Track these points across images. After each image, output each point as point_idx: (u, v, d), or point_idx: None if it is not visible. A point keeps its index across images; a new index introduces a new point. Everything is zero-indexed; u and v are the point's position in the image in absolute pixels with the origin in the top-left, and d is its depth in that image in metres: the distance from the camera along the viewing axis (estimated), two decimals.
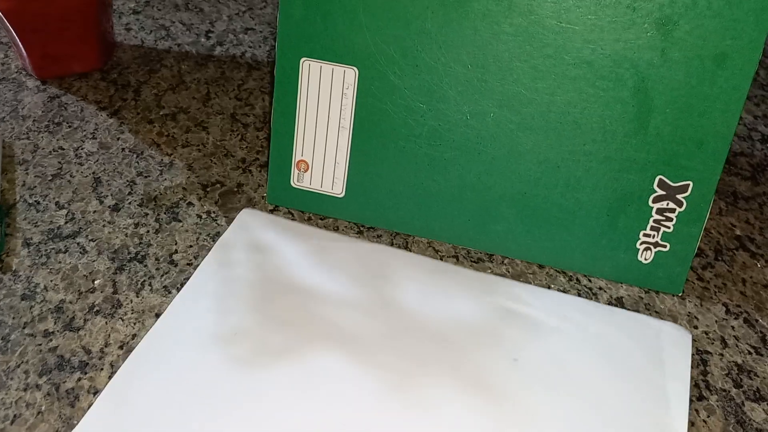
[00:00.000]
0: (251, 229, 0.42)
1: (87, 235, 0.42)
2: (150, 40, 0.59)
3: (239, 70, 0.57)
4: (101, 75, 0.55)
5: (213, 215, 0.44)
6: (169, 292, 0.39)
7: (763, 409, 0.34)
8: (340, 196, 0.43)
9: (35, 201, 0.44)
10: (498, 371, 0.35)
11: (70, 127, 0.50)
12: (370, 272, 0.40)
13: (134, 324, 0.37)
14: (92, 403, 0.33)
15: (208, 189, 0.46)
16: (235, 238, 0.42)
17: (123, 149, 0.48)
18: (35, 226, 0.42)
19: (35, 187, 0.45)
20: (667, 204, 0.38)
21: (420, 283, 0.40)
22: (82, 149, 0.48)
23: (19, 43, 0.53)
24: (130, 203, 0.44)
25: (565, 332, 0.37)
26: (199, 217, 0.43)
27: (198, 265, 0.40)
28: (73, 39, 0.53)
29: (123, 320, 0.37)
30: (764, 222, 0.45)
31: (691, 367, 0.36)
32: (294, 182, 0.44)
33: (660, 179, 0.38)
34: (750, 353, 0.37)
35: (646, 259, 0.40)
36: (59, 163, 0.47)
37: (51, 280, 0.39)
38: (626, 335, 0.37)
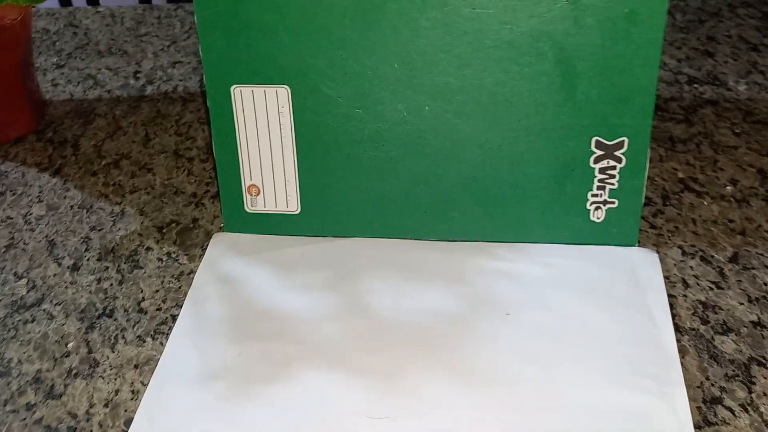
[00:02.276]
0: (221, 260, 0.43)
1: (51, 300, 0.42)
2: (79, 92, 0.59)
3: (174, 105, 0.57)
4: (36, 136, 0.55)
5: (173, 256, 0.44)
6: (144, 341, 0.39)
7: (732, 340, 0.36)
8: (296, 212, 0.44)
9: None
10: (490, 334, 0.36)
11: (14, 194, 0.49)
12: (338, 276, 0.41)
13: (115, 380, 0.37)
14: None
15: (164, 230, 0.46)
16: (207, 273, 0.42)
17: (72, 207, 0.48)
18: None
19: None
20: (608, 162, 0.40)
21: (392, 278, 0.40)
22: (30, 215, 0.48)
23: None
24: (88, 260, 0.44)
25: (547, 276, 0.39)
26: (160, 260, 0.44)
27: (170, 309, 0.40)
28: (2, 105, 0.53)
29: (103, 378, 0.37)
30: (703, 160, 0.46)
31: (669, 312, 0.37)
32: (248, 207, 0.44)
33: (596, 140, 0.39)
34: (711, 289, 0.38)
35: (598, 218, 0.41)
36: (10, 233, 0.47)
37: (24, 352, 0.39)
38: (603, 266, 0.40)
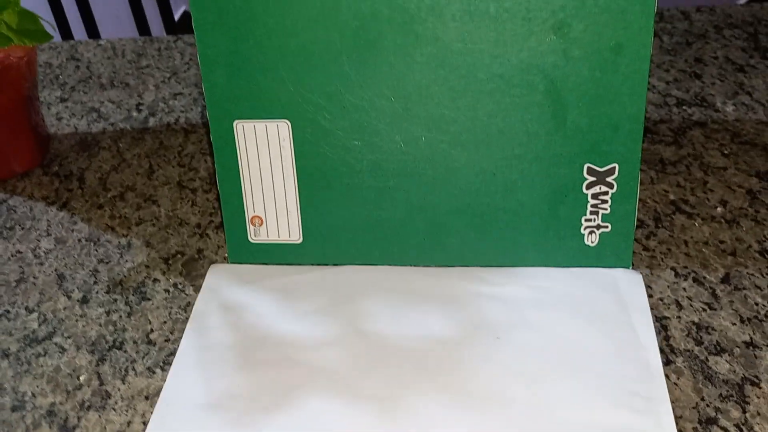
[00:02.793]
0: (221, 289, 0.44)
1: (62, 333, 0.43)
2: (83, 125, 0.60)
3: (176, 136, 0.58)
4: (42, 170, 0.56)
5: (180, 286, 0.45)
6: (154, 372, 0.40)
7: (726, 360, 0.37)
8: (298, 242, 0.45)
9: (5, 310, 0.45)
10: (483, 356, 0.37)
11: (23, 228, 0.51)
12: (338, 304, 0.42)
13: (126, 411, 0.38)
14: None
15: (170, 261, 0.47)
16: (207, 301, 0.43)
17: (79, 240, 0.49)
18: (10, 335, 0.43)
19: (1, 296, 0.46)
20: (600, 188, 0.41)
21: (388, 303, 0.42)
22: (39, 249, 0.49)
23: None
24: (97, 293, 0.45)
25: (535, 299, 0.40)
26: (167, 291, 0.45)
27: (179, 338, 0.41)
28: (7, 140, 0.54)
29: (115, 410, 0.38)
30: (693, 182, 0.48)
31: (654, 330, 0.38)
32: (252, 238, 0.45)
33: (588, 167, 0.40)
34: (704, 310, 0.40)
35: (592, 242, 0.42)
36: (20, 267, 0.48)
37: (37, 386, 0.40)
38: (589, 287, 0.41)
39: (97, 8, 1.02)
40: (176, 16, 1.23)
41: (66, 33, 1.01)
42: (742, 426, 0.34)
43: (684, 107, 0.54)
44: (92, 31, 1.02)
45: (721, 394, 0.35)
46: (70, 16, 1.01)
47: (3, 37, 0.47)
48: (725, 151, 0.50)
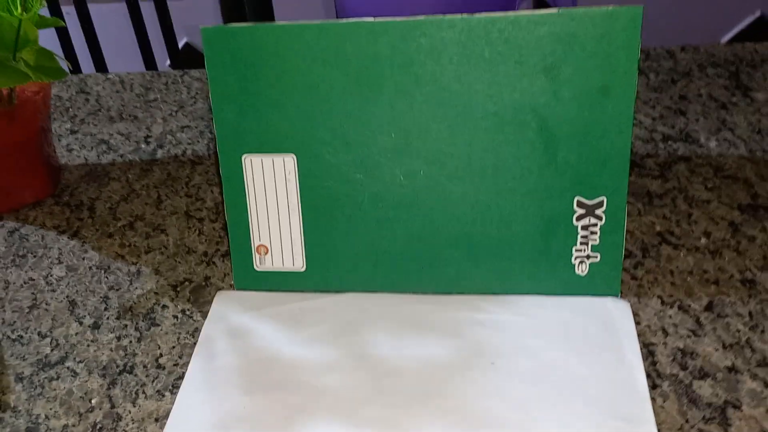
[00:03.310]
0: (227, 315, 0.46)
1: (74, 358, 0.44)
2: (93, 156, 0.63)
3: (183, 168, 0.60)
4: (54, 200, 0.58)
5: (188, 313, 0.47)
6: (163, 396, 0.42)
7: (709, 385, 0.39)
8: (302, 270, 0.47)
9: (18, 335, 0.46)
10: (478, 381, 0.39)
11: (35, 256, 0.53)
12: (340, 329, 0.44)
13: None
14: None
15: (178, 288, 0.49)
16: (214, 327, 0.45)
17: (90, 267, 0.51)
18: (23, 360, 0.45)
19: (15, 322, 0.47)
20: (589, 220, 0.43)
21: (388, 330, 0.43)
22: (51, 276, 0.51)
23: None
24: (108, 318, 0.47)
25: (528, 326, 0.42)
26: (175, 317, 0.47)
27: (187, 363, 0.43)
28: (20, 171, 0.56)
29: (127, 431, 0.40)
30: (679, 214, 0.50)
31: (641, 356, 0.40)
32: (257, 266, 0.47)
33: (578, 200, 0.43)
34: (689, 336, 0.42)
35: (583, 272, 0.44)
36: (32, 294, 0.49)
37: (50, 408, 0.42)
38: (579, 315, 0.43)
39: (104, 40, 1.04)
40: (180, 44, 1.26)
41: (75, 65, 1.03)
42: None
43: (670, 142, 0.57)
44: (100, 64, 1.04)
45: (704, 417, 0.37)
46: (78, 49, 1.04)
47: (22, 74, 0.50)
48: (709, 185, 0.52)
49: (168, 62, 1.09)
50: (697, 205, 0.50)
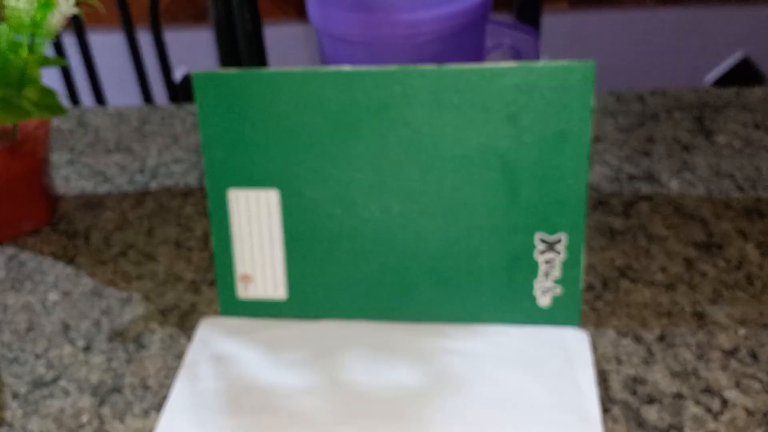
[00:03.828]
0: (211, 340, 0.49)
1: (67, 378, 0.47)
2: (90, 187, 0.66)
3: (175, 199, 0.63)
4: (51, 228, 0.61)
5: (174, 337, 0.50)
6: (149, 414, 0.44)
7: (655, 410, 0.42)
8: (283, 298, 0.50)
9: (15, 356, 0.49)
10: (443, 406, 0.42)
11: (32, 282, 0.56)
12: (318, 355, 0.47)
13: None
14: None
15: (167, 314, 0.52)
16: (198, 352, 0.48)
17: (84, 293, 0.54)
18: (19, 379, 0.48)
19: (12, 343, 0.50)
20: (550, 255, 0.46)
21: (363, 357, 0.46)
22: (47, 300, 0.54)
23: None
24: (99, 341, 0.50)
25: (492, 354, 0.45)
26: (163, 341, 0.49)
27: (171, 386, 0.46)
28: (21, 201, 0.60)
29: None
30: (638, 250, 0.53)
31: (595, 384, 0.43)
32: (241, 294, 0.50)
33: (539, 236, 0.46)
34: (640, 365, 0.45)
35: (544, 303, 0.47)
36: (29, 317, 0.52)
37: (44, 425, 0.44)
38: (540, 344, 0.46)
39: (103, 71, 1.09)
40: (177, 76, 1.31)
41: (74, 98, 1.07)
42: None
43: (634, 182, 0.60)
44: (99, 96, 1.08)
45: None
46: (79, 81, 1.08)
47: (25, 111, 0.53)
48: (668, 223, 0.56)
49: (165, 93, 1.13)
50: (655, 242, 0.54)
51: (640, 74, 1.54)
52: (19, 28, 0.53)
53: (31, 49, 0.54)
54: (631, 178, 0.61)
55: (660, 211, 0.57)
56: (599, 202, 0.58)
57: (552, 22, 1.49)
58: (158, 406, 0.45)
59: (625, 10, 1.50)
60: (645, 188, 0.59)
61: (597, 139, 0.66)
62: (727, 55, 1.57)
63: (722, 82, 1.56)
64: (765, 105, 0.69)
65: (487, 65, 0.44)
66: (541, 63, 0.43)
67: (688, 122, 0.67)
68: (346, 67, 0.45)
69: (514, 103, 0.44)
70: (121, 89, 1.24)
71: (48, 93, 0.56)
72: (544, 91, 0.43)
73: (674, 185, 0.59)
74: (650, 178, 0.60)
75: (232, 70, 0.46)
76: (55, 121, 0.76)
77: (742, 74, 1.58)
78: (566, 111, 0.43)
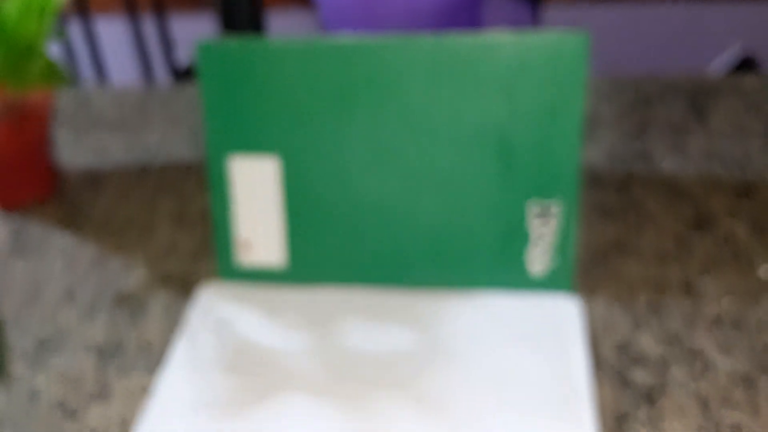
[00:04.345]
0: (210, 305, 0.50)
1: (72, 338, 0.49)
2: (92, 162, 0.67)
3: (176, 176, 0.65)
4: (56, 201, 0.62)
5: (175, 302, 0.51)
6: (150, 373, 0.46)
7: (641, 371, 0.43)
8: (281, 266, 0.51)
9: (22, 318, 0.50)
10: (436, 369, 0.43)
11: (38, 250, 0.57)
12: (314, 321, 0.48)
13: (127, 404, 0.44)
14: None
15: (167, 281, 0.53)
16: (198, 315, 0.49)
17: (88, 261, 0.55)
18: (26, 339, 0.49)
19: (19, 306, 0.52)
20: (544, 225, 0.48)
21: (360, 322, 0.48)
22: (52, 267, 0.55)
23: None
24: (102, 305, 0.51)
25: (486, 321, 0.47)
26: (164, 306, 0.51)
27: (172, 347, 0.47)
28: (27, 173, 0.61)
29: (117, 403, 0.44)
30: (630, 225, 0.55)
31: (584, 348, 0.44)
32: (240, 261, 0.52)
33: (533, 206, 0.47)
34: (628, 331, 0.46)
35: (538, 271, 0.49)
36: (34, 283, 0.54)
37: (49, 381, 0.46)
38: (533, 311, 0.47)
39: (107, 51, 1.10)
40: (181, 63, 1.32)
41: (78, 77, 1.09)
42: (648, 422, 0.40)
43: (627, 162, 0.61)
44: (102, 76, 1.09)
45: (634, 397, 0.41)
46: (82, 60, 1.09)
47: (30, 81, 0.55)
48: (660, 201, 0.57)
49: (167, 73, 1.14)
50: (647, 218, 0.55)
51: (641, 67, 1.55)
52: (28, 2, 0.55)
53: (38, 22, 0.55)
54: (626, 158, 0.62)
55: (652, 190, 0.58)
56: (594, 180, 0.60)
57: (554, 14, 1.51)
58: (160, 365, 0.46)
59: (627, 4, 1.51)
60: (638, 168, 0.61)
61: (593, 122, 0.67)
62: (727, 50, 1.59)
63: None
64: (757, 91, 0.70)
65: (483, 37, 0.45)
66: (536, 35, 0.44)
67: (682, 106, 0.68)
68: (346, 38, 0.46)
69: (510, 74, 0.45)
70: (124, 74, 1.25)
71: (53, 65, 0.57)
72: (538, 61, 0.45)
73: (666, 165, 0.61)
74: (644, 158, 0.62)
75: (235, 40, 0.47)
76: (59, 101, 0.77)
77: (741, 68, 1.60)
78: (560, 81, 0.45)
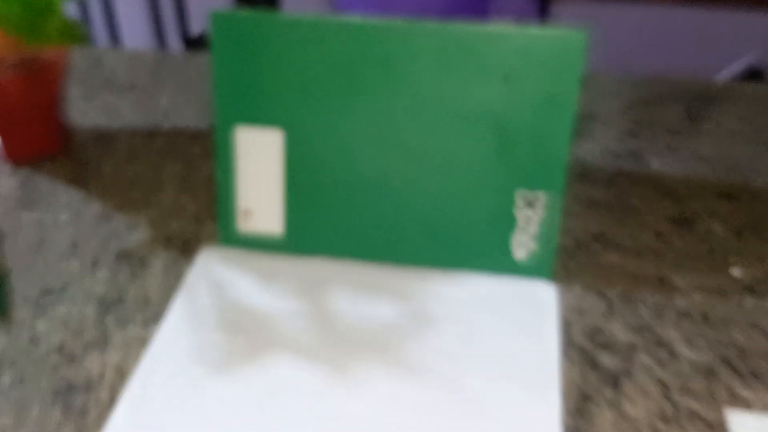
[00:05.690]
0: (210, 266, 0.52)
1: (74, 289, 0.51)
2: (103, 121, 0.69)
3: (184, 139, 0.67)
4: (65, 155, 0.65)
5: (176, 261, 0.53)
6: (148, 326, 0.48)
7: (608, 355, 0.46)
8: (279, 235, 0.54)
9: (27, 265, 0.53)
10: (418, 339, 0.46)
11: (45, 202, 0.59)
12: (306, 288, 0.51)
13: (124, 353, 0.46)
14: (100, 414, 0.42)
15: (170, 241, 0.55)
16: (197, 275, 0.52)
17: (93, 216, 0.58)
18: (29, 286, 0.51)
19: (25, 254, 0.54)
20: (530, 213, 0.50)
21: (350, 292, 0.50)
22: (58, 219, 0.57)
23: None
24: (105, 259, 0.54)
25: (468, 299, 0.49)
26: (165, 264, 0.53)
27: (171, 302, 0.50)
28: (39, 127, 0.63)
29: (114, 351, 0.47)
30: (613, 219, 0.57)
31: (557, 331, 0.47)
32: (240, 227, 0.54)
33: (521, 195, 0.50)
34: (601, 317, 0.48)
35: (521, 257, 0.51)
36: (40, 233, 0.56)
37: (50, 327, 0.48)
38: (513, 293, 0.50)
39: (122, 15, 1.12)
40: (193, 30, 1.33)
41: (92, 38, 1.10)
42: (611, 404, 0.43)
43: (619, 159, 0.64)
44: (116, 39, 1.11)
45: (600, 380, 0.44)
46: (97, 23, 1.11)
47: (47, 38, 0.57)
48: (645, 198, 0.59)
49: (180, 41, 1.16)
50: (630, 213, 0.58)
51: (650, 68, 1.56)
52: None
53: None
54: (618, 155, 0.64)
55: (639, 186, 0.60)
56: (584, 174, 0.62)
57: (565, 12, 1.52)
58: (157, 319, 0.49)
59: (641, 5, 1.53)
60: (628, 165, 0.63)
61: (591, 118, 0.69)
62: (737, 58, 1.60)
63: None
64: (752, 100, 0.72)
65: (487, 26, 0.47)
66: (538, 29, 0.47)
67: (676, 108, 0.71)
68: (355, 18, 0.48)
69: (510, 64, 0.47)
70: (137, 42, 1.27)
71: (69, 24, 0.59)
72: (538, 54, 0.47)
73: (655, 164, 0.63)
74: (634, 156, 0.64)
75: (248, 12, 0.50)
76: (73, 59, 0.79)
77: (749, 77, 1.61)
78: (557, 75, 0.47)
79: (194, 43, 1.16)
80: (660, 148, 0.65)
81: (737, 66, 1.59)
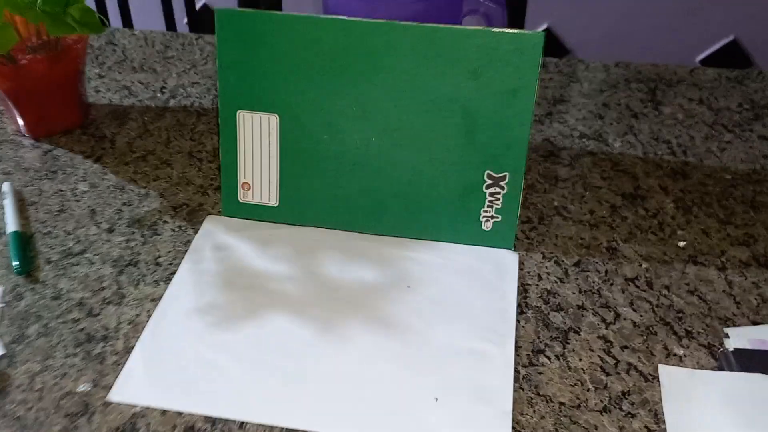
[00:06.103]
0: (213, 233, 0.59)
1: (92, 252, 0.58)
2: (116, 99, 0.75)
3: (190, 116, 0.73)
4: (82, 130, 0.71)
5: (183, 228, 0.60)
6: (158, 285, 0.55)
7: (561, 316, 0.53)
8: (275, 205, 0.60)
9: (48, 231, 0.60)
10: (395, 298, 0.53)
11: (64, 173, 0.66)
12: (299, 253, 0.57)
13: (137, 308, 0.53)
14: (116, 361, 0.49)
15: (178, 210, 0.62)
16: (202, 241, 0.58)
17: (108, 186, 0.64)
18: (51, 249, 0.58)
19: (46, 220, 0.61)
20: (495, 189, 0.56)
21: (336, 257, 0.57)
22: (77, 189, 0.64)
23: (16, 112, 0.68)
24: (120, 225, 0.60)
25: (442, 264, 0.56)
26: (173, 230, 0.60)
27: (179, 264, 0.57)
28: (59, 105, 0.69)
29: (128, 306, 0.53)
30: (575, 195, 0.63)
31: (517, 294, 0.54)
32: (241, 199, 0.61)
33: (488, 173, 0.56)
34: (556, 282, 0.55)
35: (487, 228, 0.58)
36: (61, 201, 0.63)
37: (71, 285, 0.55)
38: (480, 260, 0.57)
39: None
40: (197, 6, 1.37)
41: (105, 19, 1.16)
42: (560, 357, 0.50)
43: (584, 140, 0.70)
44: (126, 18, 1.17)
45: (551, 336, 0.51)
46: (109, 5, 1.16)
47: (70, 27, 0.62)
48: (604, 176, 0.66)
49: (185, 20, 1.21)
50: (590, 190, 0.64)
51: (634, 50, 1.61)
52: None
53: None
54: (583, 136, 0.70)
55: (600, 165, 0.67)
56: (551, 153, 0.68)
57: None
58: (166, 279, 0.56)
59: None
60: (592, 146, 0.69)
61: (560, 101, 0.75)
62: (719, 38, 1.64)
63: (710, 61, 1.63)
64: (712, 84, 0.78)
65: (458, 27, 0.53)
66: (501, 30, 0.52)
67: (642, 93, 0.76)
68: (342, 17, 0.54)
69: (477, 60, 0.53)
70: (147, 17, 1.32)
71: (89, 12, 0.65)
72: (501, 53, 0.53)
73: (617, 145, 0.69)
74: (598, 137, 0.70)
75: (249, 10, 0.55)
76: (91, 41, 0.85)
77: (732, 56, 1.66)
78: (518, 70, 0.53)
79: (198, 15, 1.21)
80: (623, 130, 0.71)
81: (718, 45, 1.63)
